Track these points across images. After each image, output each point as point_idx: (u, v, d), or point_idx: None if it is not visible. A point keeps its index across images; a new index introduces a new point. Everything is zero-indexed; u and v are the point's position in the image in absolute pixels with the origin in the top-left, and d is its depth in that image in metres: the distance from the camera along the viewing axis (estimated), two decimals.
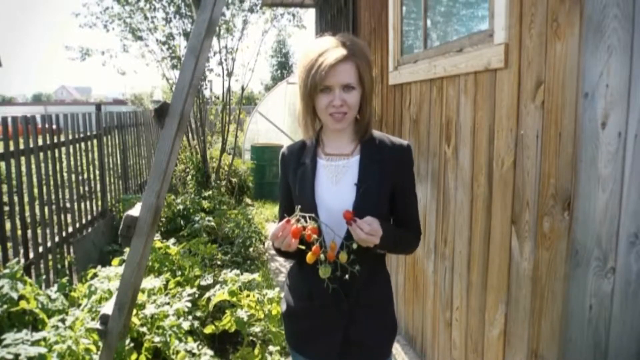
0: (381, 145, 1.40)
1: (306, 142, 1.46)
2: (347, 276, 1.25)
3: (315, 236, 1.22)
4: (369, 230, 1.22)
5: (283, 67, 31.95)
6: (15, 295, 2.41)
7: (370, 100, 1.38)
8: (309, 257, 1.22)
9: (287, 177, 1.45)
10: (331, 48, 1.29)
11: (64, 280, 3.02)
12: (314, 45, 1.32)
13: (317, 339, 1.41)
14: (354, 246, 1.25)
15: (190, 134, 7.87)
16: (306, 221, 1.25)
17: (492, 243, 1.95)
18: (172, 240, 3.73)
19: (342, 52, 1.28)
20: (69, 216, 4.23)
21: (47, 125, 3.79)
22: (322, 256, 1.22)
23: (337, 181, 1.37)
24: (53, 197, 3.87)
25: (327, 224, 1.28)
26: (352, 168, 1.37)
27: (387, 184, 1.36)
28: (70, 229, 4.15)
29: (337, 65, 1.27)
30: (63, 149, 4.11)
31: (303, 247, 1.26)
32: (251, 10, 7.58)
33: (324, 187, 1.36)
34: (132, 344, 2.40)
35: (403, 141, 1.42)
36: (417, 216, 1.46)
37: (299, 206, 1.28)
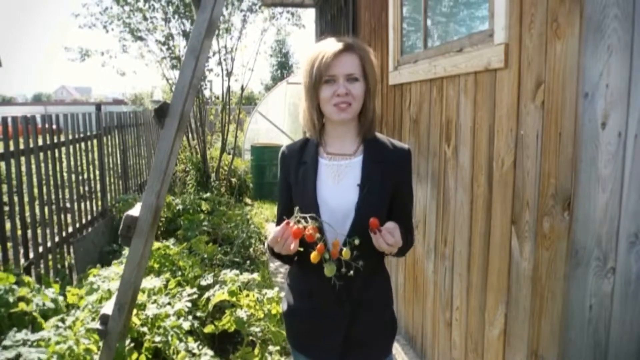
0: (384, 147, 1.41)
1: (308, 141, 1.46)
2: (351, 272, 1.25)
3: (318, 235, 1.21)
4: (393, 243, 1.24)
5: (283, 67, 31.92)
6: (11, 299, 2.41)
7: (373, 98, 1.39)
8: (314, 256, 1.21)
9: (288, 176, 1.45)
10: (334, 42, 1.34)
11: (63, 280, 3.02)
12: (317, 45, 1.37)
13: (318, 339, 1.42)
14: (356, 242, 1.24)
15: (190, 134, 7.88)
16: (306, 221, 1.23)
17: (492, 243, 1.95)
18: (172, 240, 3.73)
19: (344, 44, 1.33)
20: (69, 216, 4.23)
21: (47, 125, 3.79)
22: (326, 255, 1.22)
23: (339, 181, 1.37)
24: (53, 197, 3.86)
25: (328, 222, 1.28)
26: (354, 168, 1.38)
27: (389, 186, 1.37)
28: (70, 229, 4.15)
29: (340, 55, 1.31)
30: (63, 149, 4.11)
31: (301, 249, 1.25)
32: (250, 9, 7.59)
33: (326, 186, 1.37)
34: (132, 344, 2.39)
35: (404, 145, 1.45)
36: (411, 216, 1.51)
37: (297, 207, 1.27)
